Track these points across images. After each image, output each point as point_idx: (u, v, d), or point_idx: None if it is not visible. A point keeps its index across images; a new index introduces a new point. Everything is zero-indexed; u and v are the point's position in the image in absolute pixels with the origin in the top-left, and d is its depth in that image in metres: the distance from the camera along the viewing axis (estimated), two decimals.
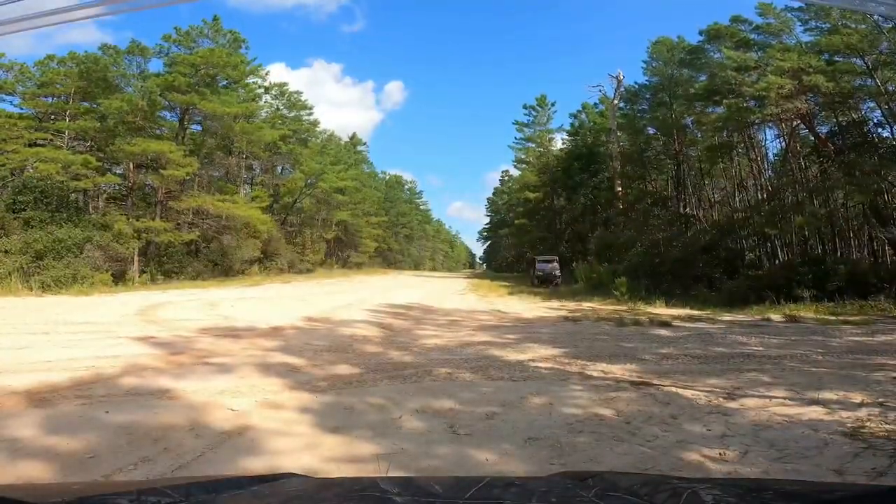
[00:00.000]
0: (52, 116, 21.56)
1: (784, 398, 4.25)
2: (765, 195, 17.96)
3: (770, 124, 17.40)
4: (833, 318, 9.69)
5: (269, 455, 3.02)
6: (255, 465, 2.87)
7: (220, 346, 6.29)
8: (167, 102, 21.17)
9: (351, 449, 3.10)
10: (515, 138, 36.58)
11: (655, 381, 4.84)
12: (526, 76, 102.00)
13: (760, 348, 6.74)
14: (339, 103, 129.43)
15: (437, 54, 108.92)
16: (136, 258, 17.98)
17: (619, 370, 5.37)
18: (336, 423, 3.55)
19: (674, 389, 4.55)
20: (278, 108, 30.62)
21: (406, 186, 62.26)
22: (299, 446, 3.16)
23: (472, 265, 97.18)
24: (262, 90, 27.53)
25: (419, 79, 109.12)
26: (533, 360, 5.82)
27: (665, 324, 9.07)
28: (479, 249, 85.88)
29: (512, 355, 6.16)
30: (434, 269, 60.16)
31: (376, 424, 3.57)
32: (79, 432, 3.24)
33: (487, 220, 59.83)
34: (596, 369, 5.42)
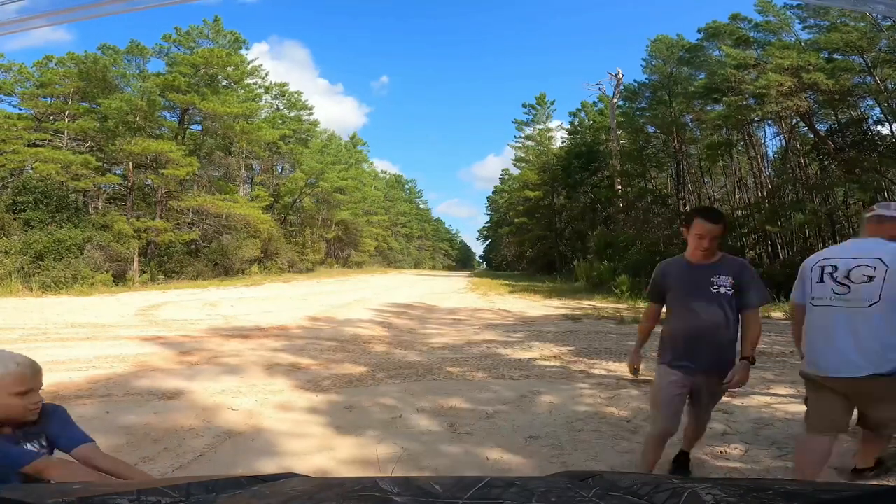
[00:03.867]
0: (52, 117, 21.53)
1: (785, 395, 4.25)
2: (765, 193, 17.96)
3: (770, 122, 17.40)
4: None
5: (280, 456, 3.03)
6: (266, 465, 2.88)
7: (226, 347, 6.29)
8: (167, 102, 21.15)
9: (361, 450, 3.10)
10: (515, 136, 36.66)
11: None
12: (512, 75, 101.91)
13: (762, 346, 6.73)
14: (324, 96, 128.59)
15: (420, 51, 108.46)
16: (136, 258, 17.97)
17: (620, 368, 5.38)
18: (345, 423, 3.56)
19: None
20: (278, 108, 30.62)
21: (406, 185, 62.35)
22: (311, 447, 3.17)
23: (465, 263, 79.00)
24: (263, 90, 27.53)
25: (404, 74, 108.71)
26: (538, 359, 5.83)
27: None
28: (478, 248, 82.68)
29: (517, 354, 6.17)
30: (434, 267, 60.14)
31: (385, 424, 3.58)
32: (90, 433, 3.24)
33: (486, 218, 59.90)
34: (598, 367, 5.44)
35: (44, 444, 1.43)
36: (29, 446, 1.40)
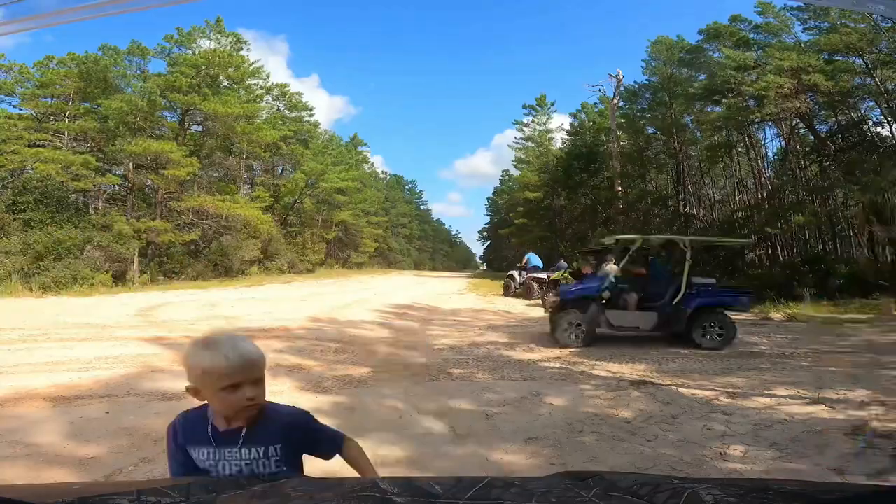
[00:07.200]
0: (52, 117, 21.54)
1: (785, 397, 4.25)
2: (765, 194, 17.95)
3: (770, 123, 17.39)
4: (834, 316, 9.68)
5: None
6: None
7: None
8: (168, 103, 21.16)
9: (367, 452, 3.09)
10: (515, 138, 36.71)
11: (657, 381, 4.85)
12: (499, 70, 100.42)
13: (762, 347, 6.74)
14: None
15: (401, 46, 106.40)
16: (136, 259, 17.96)
17: (622, 369, 5.38)
18: (347, 424, 3.55)
19: (675, 388, 4.55)
20: (279, 109, 30.64)
21: (406, 186, 62.41)
22: None
23: (465, 264, 72.78)
24: (264, 91, 27.57)
25: (387, 72, 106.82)
26: (540, 360, 5.83)
27: None
28: (478, 249, 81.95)
29: (519, 355, 6.17)
30: (434, 269, 60.09)
31: (387, 425, 3.58)
32: (88, 435, 3.24)
33: (479, 217, 59.86)
34: (600, 369, 5.44)
35: (271, 452, 1.16)
36: (246, 451, 1.15)
